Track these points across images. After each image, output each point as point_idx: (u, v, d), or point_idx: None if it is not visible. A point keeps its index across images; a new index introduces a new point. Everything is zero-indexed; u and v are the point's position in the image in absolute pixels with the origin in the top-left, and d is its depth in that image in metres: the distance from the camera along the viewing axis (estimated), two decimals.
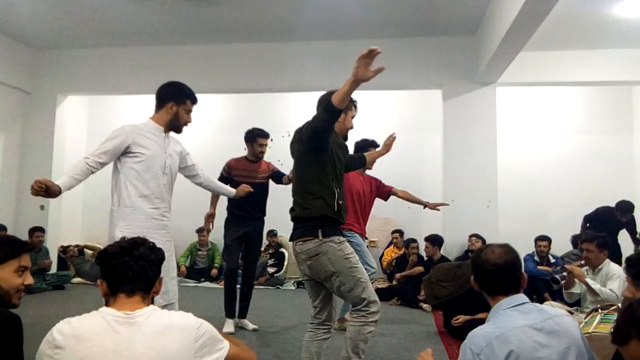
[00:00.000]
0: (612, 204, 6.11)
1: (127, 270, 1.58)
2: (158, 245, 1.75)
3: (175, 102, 2.87)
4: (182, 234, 7.60)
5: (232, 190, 3.53)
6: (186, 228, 7.69)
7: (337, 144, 2.68)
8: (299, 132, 2.59)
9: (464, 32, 6.46)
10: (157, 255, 1.68)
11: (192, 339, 1.55)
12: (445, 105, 6.61)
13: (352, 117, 2.80)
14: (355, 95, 2.44)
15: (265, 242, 7.81)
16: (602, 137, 7.83)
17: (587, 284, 3.58)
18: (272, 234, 7.76)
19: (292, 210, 2.66)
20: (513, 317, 1.62)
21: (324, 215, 2.53)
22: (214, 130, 8.59)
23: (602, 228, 5.47)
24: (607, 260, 3.69)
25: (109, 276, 1.60)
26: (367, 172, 4.62)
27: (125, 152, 2.76)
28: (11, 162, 7.34)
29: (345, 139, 2.86)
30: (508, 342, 1.54)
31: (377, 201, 4.77)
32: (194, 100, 2.95)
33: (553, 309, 1.73)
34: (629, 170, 7.70)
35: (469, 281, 1.87)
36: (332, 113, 2.32)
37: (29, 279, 1.80)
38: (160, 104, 2.90)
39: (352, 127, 2.82)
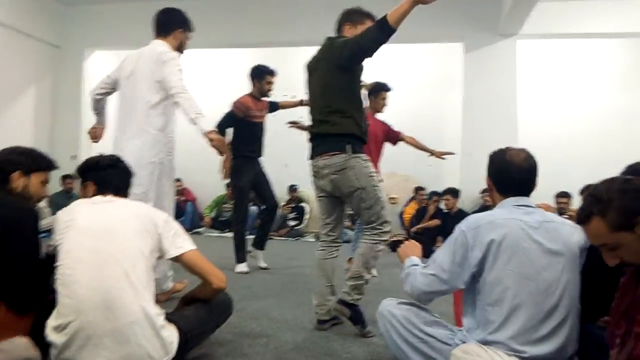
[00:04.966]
0: None
1: (116, 177, 1.96)
2: None
3: (182, 30, 3.00)
4: (207, 188, 7.84)
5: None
6: (211, 182, 7.88)
7: None
8: (330, 49, 2.55)
9: None
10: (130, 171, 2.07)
11: (162, 217, 1.88)
12: (467, 58, 6.51)
13: None
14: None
15: (287, 196, 8.00)
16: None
17: None
18: (293, 188, 7.93)
19: (312, 127, 2.64)
20: (513, 212, 1.65)
21: (353, 133, 2.54)
22: (220, 85, 8.43)
23: None
24: None
25: (101, 181, 1.93)
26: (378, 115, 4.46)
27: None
28: (43, 113, 7.64)
29: None
30: (495, 229, 1.59)
31: (397, 158, 4.59)
32: (192, 29, 3.10)
33: (559, 217, 1.72)
34: None
35: None
36: (388, 33, 2.26)
37: (46, 192, 2.07)
38: (167, 30, 2.99)
39: None
